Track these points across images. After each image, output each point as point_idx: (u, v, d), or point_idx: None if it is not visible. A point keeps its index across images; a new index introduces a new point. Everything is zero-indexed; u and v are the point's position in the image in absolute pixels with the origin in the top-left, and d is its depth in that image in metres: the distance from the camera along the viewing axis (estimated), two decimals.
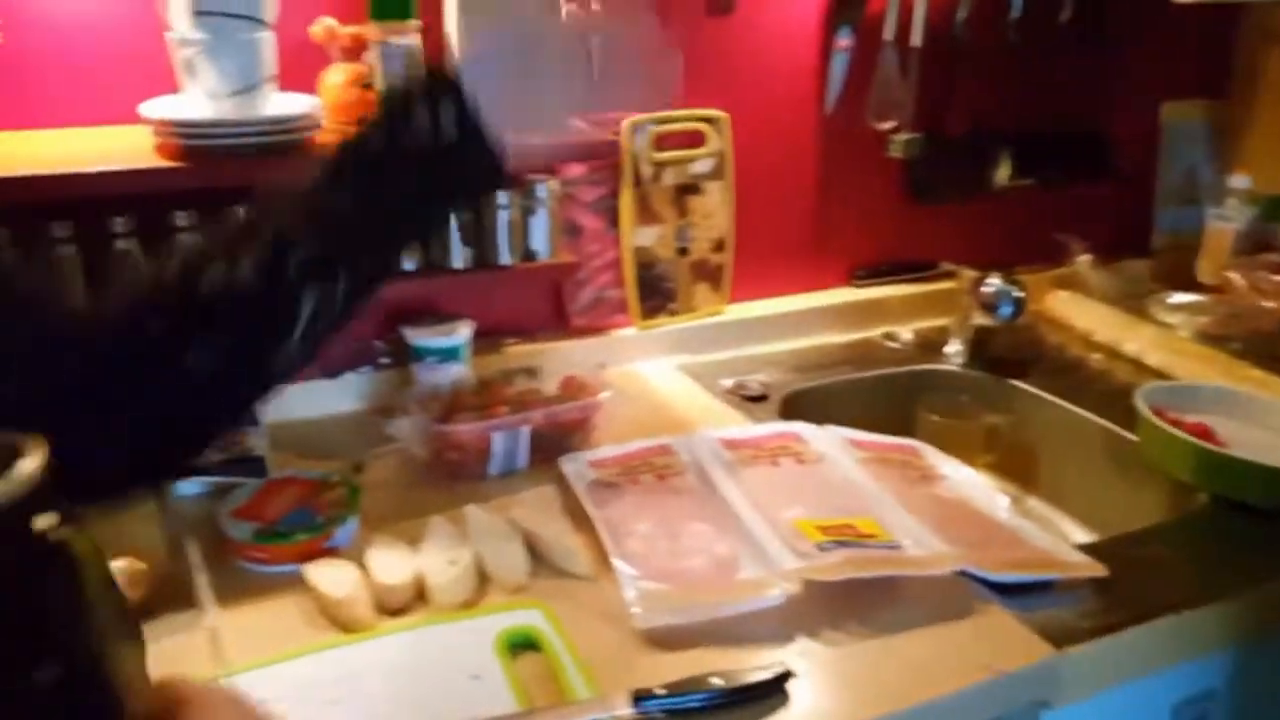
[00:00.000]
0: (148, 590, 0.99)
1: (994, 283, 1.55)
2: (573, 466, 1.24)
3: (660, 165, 1.53)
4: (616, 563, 1.02)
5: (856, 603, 0.99)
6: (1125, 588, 1.03)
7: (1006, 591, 1.02)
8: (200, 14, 1.02)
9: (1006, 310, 1.53)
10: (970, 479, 1.26)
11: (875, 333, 1.74)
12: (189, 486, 1.21)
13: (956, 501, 1.20)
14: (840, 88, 1.64)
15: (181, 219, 1.17)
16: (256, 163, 1.08)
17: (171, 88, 1.13)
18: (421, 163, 0.73)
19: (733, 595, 0.98)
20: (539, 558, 1.08)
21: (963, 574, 1.03)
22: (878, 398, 1.58)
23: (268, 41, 1.07)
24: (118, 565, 0.97)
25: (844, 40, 1.61)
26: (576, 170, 1.47)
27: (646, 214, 1.54)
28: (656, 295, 1.61)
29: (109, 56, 1.18)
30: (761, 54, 1.58)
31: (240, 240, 0.70)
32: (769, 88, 1.61)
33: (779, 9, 1.57)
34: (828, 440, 1.29)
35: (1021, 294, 1.53)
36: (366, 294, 0.76)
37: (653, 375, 1.57)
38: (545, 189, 1.35)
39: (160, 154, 1.08)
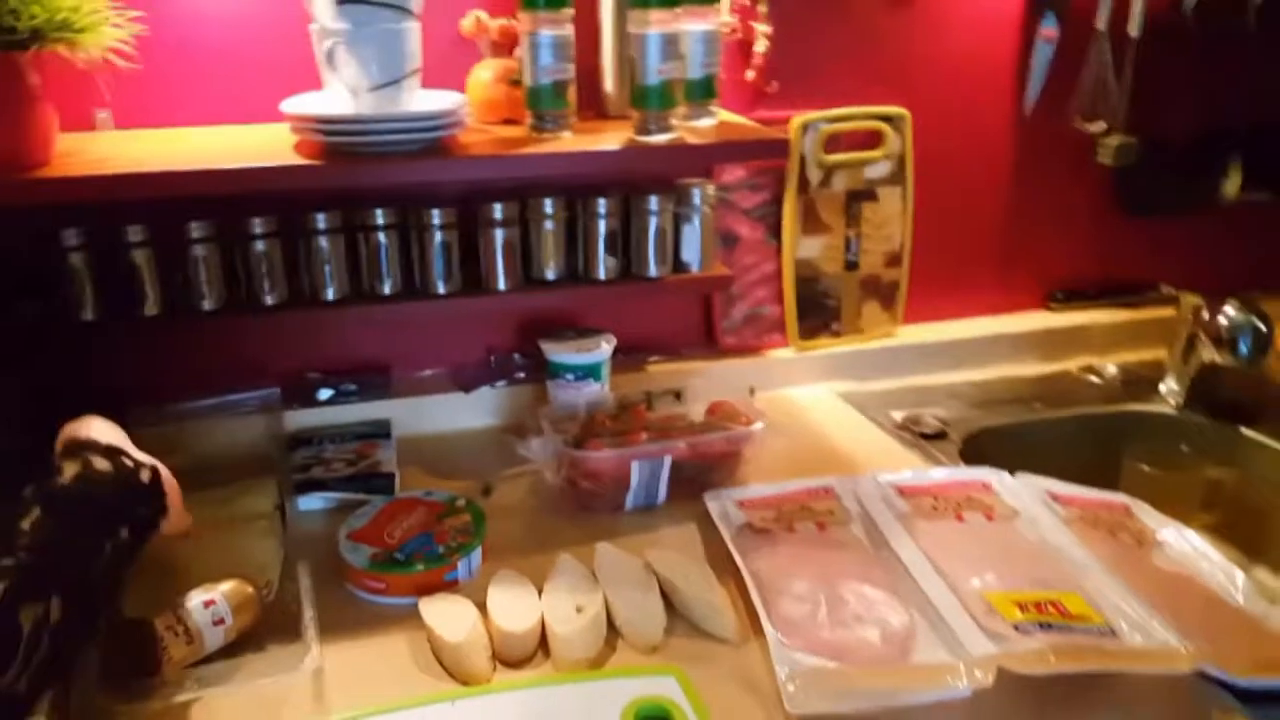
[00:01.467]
0: (255, 617, 0.94)
1: (1231, 313, 1.34)
2: (719, 505, 1.13)
3: (830, 169, 1.40)
4: (768, 628, 0.90)
5: (1062, 702, 0.84)
6: None
7: (1252, 700, 0.84)
8: (344, 2, 0.97)
9: (1245, 346, 1.32)
10: (1195, 546, 1.07)
11: (1074, 365, 1.56)
12: (312, 502, 1.18)
13: (1180, 575, 1.01)
14: (1041, 83, 1.46)
15: (321, 221, 1.14)
16: (396, 162, 1.02)
17: (315, 85, 1.09)
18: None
19: (908, 682, 0.84)
20: (676, 612, 0.98)
21: (1199, 675, 0.85)
22: (1077, 442, 1.40)
23: (413, 33, 1.02)
24: (225, 588, 0.93)
25: (1048, 29, 1.44)
26: (735, 173, 1.36)
27: (812, 223, 1.42)
28: (819, 314, 1.47)
29: (252, 52, 1.16)
30: (950, 44, 1.43)
31: None
32: (957, 83, 1.45)
33: None
34: (1023, 492, 1.13)
35: (1266, 328, 1.31)
36: (91, 613, 0.76)
37: (811, 404, 1.44)
38: (700, 194, 1.25)
39: (299, 152, 1.04)
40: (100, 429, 0.85)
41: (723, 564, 1.04)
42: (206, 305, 1.14)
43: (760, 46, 1.30)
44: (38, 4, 0.91)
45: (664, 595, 0.98)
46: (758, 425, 1.18)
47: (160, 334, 1.16)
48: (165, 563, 1.02)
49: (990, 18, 1.43)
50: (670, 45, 1.05)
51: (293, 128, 1.05)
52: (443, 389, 1.36)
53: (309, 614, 0.95)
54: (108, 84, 1.07)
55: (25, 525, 0.71)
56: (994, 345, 1.55)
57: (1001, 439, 1.35)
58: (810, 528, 1.08)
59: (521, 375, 1.37)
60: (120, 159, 1.02)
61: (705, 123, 1.16)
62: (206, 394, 1.24)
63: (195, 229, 1.11)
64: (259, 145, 1.08)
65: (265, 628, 0.94)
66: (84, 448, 0.81)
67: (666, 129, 1.09)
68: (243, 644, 0.92)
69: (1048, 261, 1.60)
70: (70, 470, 0.78)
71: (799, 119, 1.35)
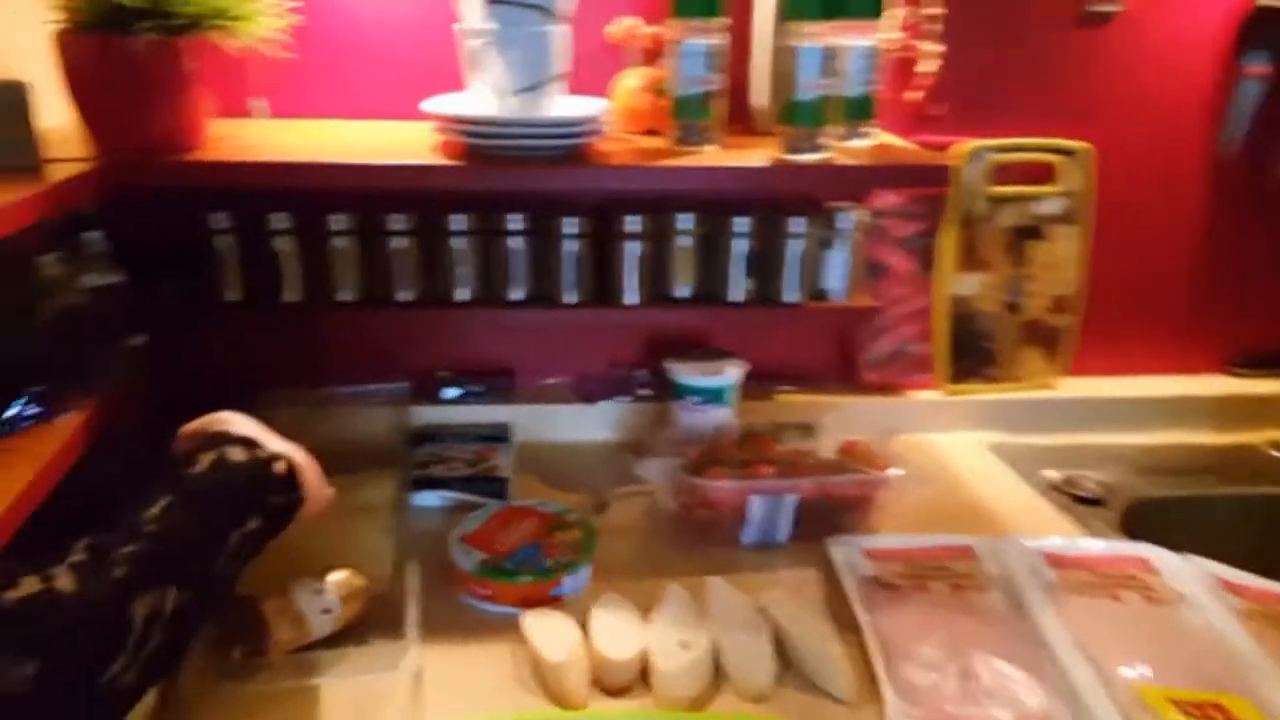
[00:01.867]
0: (361, 609, 0.94)
1: None
2: (844, 553, 1.06)
3: (997, 201, 1.30)
4: (888, 693, 0.83)
5: None
6: None
7: None
8: (493, 3, 0.97)
9: None
10: None
11: (1258, 438, 1.41)
12: (429, 499, 1.18)
13: None
14: (1245, 124, 1.33)
15: (457, 223, 1.14)
16: (535, 167, 1.01)
17: (460, 85, 1.09)
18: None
19: None
20: (787, 661, 0.91)
21: None
22: (1257, 525, 1.26)
23: (560, 36, 1.00)
24: (336, 578, 0.93)
25: (1257, 66, 1.31)
26: (890, 199, 1.29)
27: (972, 258, 1.32)
28: (972, 356, 1.37)
29: (405, 48, 1.18)
30: (1143, 74, 1.31)
31: (46, 561, 0.64)
32: (1147, 117, 1.33)
33: (1171, 21, 1.29)
34: (1190, 575, 1.01)
35: None
36: (209, 605, 0.73)
37: (956, 453, 1.35)
38: (850, 219, 1.18)
39: (442, 152, 1.04)
40: (239, 423, 0.83)
41: (843, 616, 0.97)
42: (343, 296, 1.16)
43: (928, 66, 1.22)
44: None
45: (776, 642, 0.92)
46: (895, 470, 1.10)
47: (297, 320, 1.19)
48: (280, 545, 1.03)
49: (1191, 48, 1.31)
50: (827, 60, 1.00)
51: (436, 127, 1.05)
52: (564, 398, 1.34)
53: (413, 612, 0.95)
54: (264, 74, 1.10)
55: (152, 513, 0.69)
56: (1166, 408, 1.42)
57: (1168, 513, 1.23)
58: (944, 589, 0.99)
59: (645, 393, 1.34)
60: (269, 147, 1.05)
61: (860, 143, 1.10)
62: (338, 383, 1.26)
63: (336, 221, 1.13)
64: (404, 142, 1.08)
65: (370, 621, 0.94)
66: (220, 440, 0.79)
67: (817, 148, 1.03)
68: (346, 635, 0.93)
69: (1233, 321, 1.46)
70: (205, 460, 0.76)
71: (965, 146, 1.27)
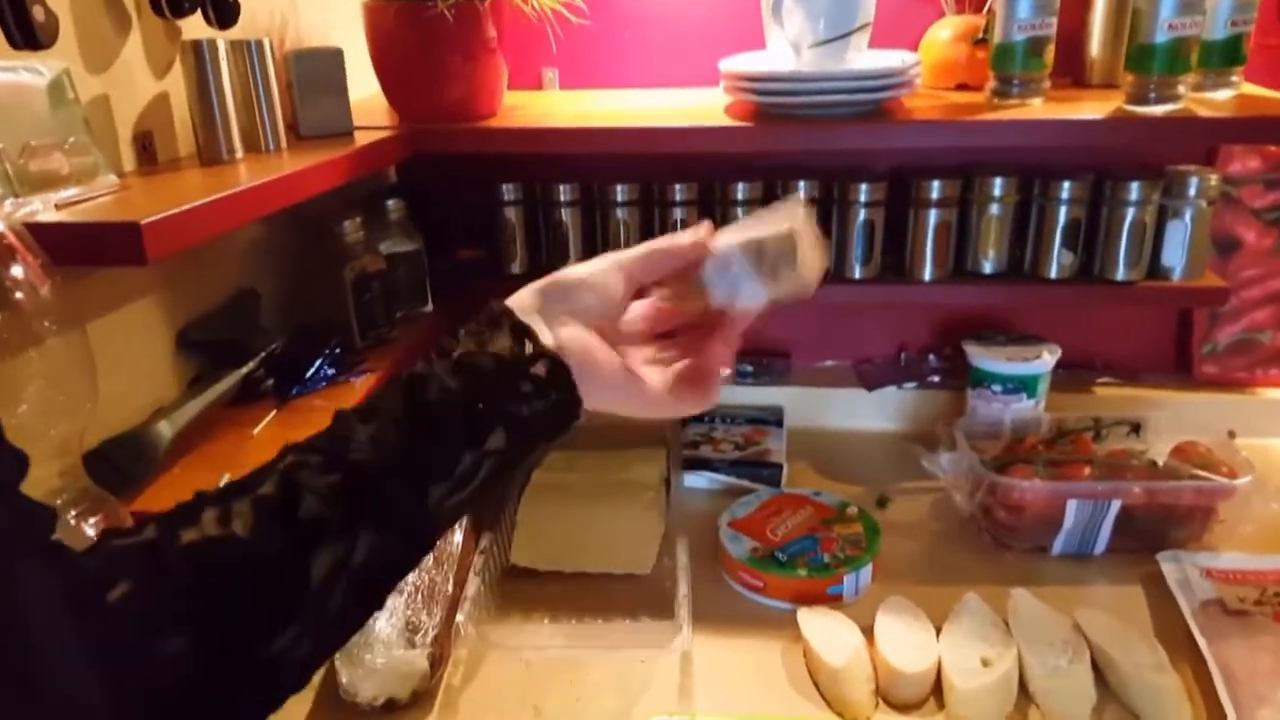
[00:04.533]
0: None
1: None
2: (1178, 570, 0.95)
3: None
4: None
5: None
6: None
7: None
8: None
9: None
10: None
11: None
12: (698, 480, 1.17)
13: None
14: None
15: (740, 191, 1.12)
16: (826, 126, 0.96)
17: (757, 46, 1.07)
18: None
19: None
20: (1109, 690, 0.82)
21: None
22: None
23: None
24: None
25: None
26: (1249, 164, 1.13)
27: None
28: None
29: (694, 12, 1.17)
30: None
31: (242, 485, 0.53)
32: None
33: None
34: None
35: None
36: (414, 552, 0.57)
37: None
38: (1197, 184, 1.05)
39: (730, 114, 1.02)
40: (526, 296, 0.61)
41: (1176, 643, 0.86)
42: None
43: None
44: None
45: (1094, 667, 0.83)
46: (1245, 479, 0.97)
47: None
48: (545, 514, 1.07)
49: None
50: None
51: (725, 87, 1.03)
52: (844, 382, 1.29)
53: (683, 592, 0.94)
54: (555, 44, 1.12)
55: (361, 436, 0.53)
56: None
57: None
58: None
59: (935, 379, 1.26)
60: (560, 114, 1.07)
61: (1222, 94, 0.97)
62: None
63: (621, 191, 1.14)
64: (692, 108, 1.07)
65: (638, 599, 0.95)
66: (494, 321, 0.58)
67: (1171, 98, 0.91)
68: (616, 609, 0.94)
69: None
70: (456, 353, 0.57)
71: None
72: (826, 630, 0.88)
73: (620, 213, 1.15)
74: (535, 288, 0.60)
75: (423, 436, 0.55)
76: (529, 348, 0.58)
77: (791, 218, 0.59)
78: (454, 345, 0.58)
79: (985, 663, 0.83)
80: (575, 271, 0.61)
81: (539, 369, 0.58)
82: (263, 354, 0.93)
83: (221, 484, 0.53)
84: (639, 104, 1.12)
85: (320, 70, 0.96)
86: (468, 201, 1.17)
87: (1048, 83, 0.99)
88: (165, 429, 0.81)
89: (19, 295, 0.61)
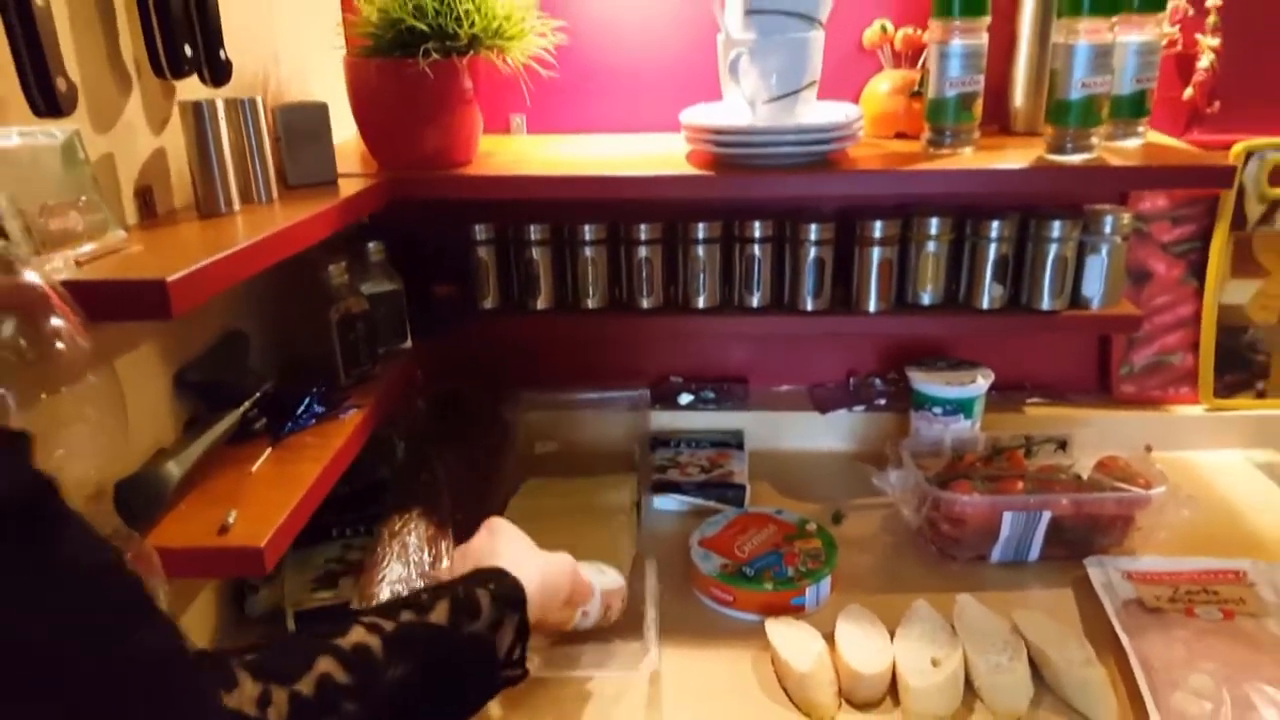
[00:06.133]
0: (622, 610, 0.99)
1: None
2: (1102, 574, 1.06)
3: (1274, 204, 1.25)
4: None
5: None
6: None
7: None
8: (753, 12, 1.03)
9: None
10: None
11: None
12: (667, 503, 1.25)
13: None
14: None
15: (700, 230, 1.21)
16: (782, 175, 1.06)
17: (711, 96, 1.16)
18: None
19: None
20: (1044, 684, 0.93)
21: None
22: None
23: (817, 42, 1.05)
24: (609, 581, 0.97)
25: None
26: (1157, 203, 1.26)
27: (1245, 264, 1.28)
28: (1241, 369, 1.33)
29: (655, 64, 1.27)
30: None
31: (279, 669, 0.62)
32: None
33: None
34: None
35: None
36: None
37: (1222, 472, 1.31)
38: (1112, 222, 1.17)
39: (691, 162, 1.12)
40: (509, 549, 0.84)
41: (1102, 639, 0.97)
42: (590, 304, 1.25)
43: (1204, 61, 1.19)
44: (478, 13, 1.05)
45: (1031, 663, 0.94)
46: (1159, 489, 1.09)
47: (547, 327, 1.29)
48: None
49: None
50: (1101, 57, 1.00)
51: (687, 137, 1.12)
52: (799, 406, 1.39)
53: (651, 614, 1.02)
54: (523, 91, 1.21)
55: (388, 679, 0.64)
56: None
57: None
58: (1214, 613, 0.98)
59: (882, 402, 1.37)
60: (532, 161, 1.15)
61: (1131, 143, 1.09)
62: (581, 387, 1.37)
63: (588, 230, 1.22)
64: (654, 155, 1.16)
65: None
66: (478, 580, 0.77)
67: (1086, 148, 1.03)
68: (588, 632, 0.98)
69: None
70: (438, 611, 0.71)
71: (1241, 145, 1.23)
72: (792, 639, 0.97)
73: (588, 250, 1.23)
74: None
75: (442, 690, 0.69)
76: (510, 636, 0.76)
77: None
78: (479, 604, 0.74)
79: (935, 663, 0.93)
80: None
81: (516, 650, 0.77)
82: (257, 394, 0.99)
83: (254, 646, 0.63)
84: (605, 151, 1.20)
85: (307, 123, 1.02)
86: (439, 240, 1.24)
87: (978, 133, 1.10)
88: (174, 469, 0.86)
89: (60, 345, 0.67)
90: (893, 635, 0.98)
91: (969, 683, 0.93)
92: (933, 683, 0.91)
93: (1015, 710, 0.90)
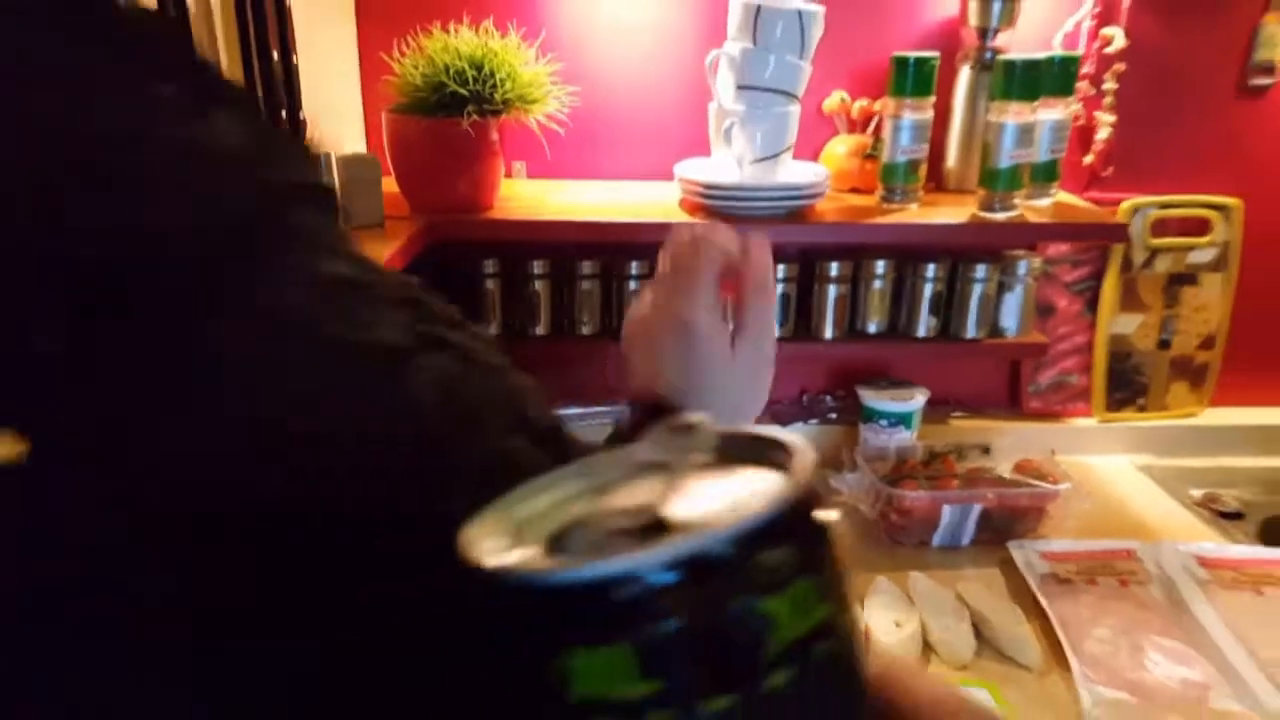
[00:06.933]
0: None
1: None
2: (1022, 555, 1.30)
3: (1154, 251, 1.54)
4: (1074, 662, 1.07)
5: None
6: None
7: None
8: (743, 88, 1.24)
9: None
10: None
11: None
12: None
13: None
14: None
15: None
16: (767, 224, 1.28)
17: (697, 149, 1.37)
18: None
19: None
20: (984, 640, 1.16)
21: None
22: None
23: (795, 114, 1.27)
24: None
25: None
26: (1061, 248, 1.53)
27: (1131, 301, 1.56)
28: (1126, 388, 1.61)
29: (649, 121, 1.46)
30: None
31: None
32: None
33: None
34: None
35: None
36: None
37: (1110, 473, 1.57)
38: (1026, 265, 1.43)
39: (682, 208, 1.32)
40: None
41: (1027, 605, 1.20)
42: (585, 330, 1.45)
43: (1103, 133, 1.47)
44: (511, 80, 1.23)
45: (973, 624, 1.17)
46: (1065, 485, 1.34)
47: (544, 351, 1.47)
48: None
49: None
50: (1025, 133, 1.25)
51: (681, 188, 1.33)
52: (760, 420, 1.59)
53: None
54: (535, 143, 1.39)
55: None
56: None
57: None
58: (1112, 583, 1.23)
59: (832, 417, 1.60)
60: (544, 206, 1.34)
61: (1044, 202, 1.35)
62: (573, 405, 1.55)
63: (586, 266, 1.42)
64: (650, 202, 1.37)
65: None
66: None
67: (1010, 207, 1.28)
68: None
69: None
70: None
71: (1130, 202, 1.50)
72: None
73: (584, 284, 1.42)
74: None
75: None
76: None
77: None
78: None
79: (898, 624, 1.15)
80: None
81: None
82: None
83: None
84: (605, 196, 1.39)
85: (364, 171, 1.19)
86: (452, 275, 1.41)
87: (922, 191, 1.35)
88: None
89: None
90: (862, 604, 1.20)
91: (925, 641, 1.15)
92: (897, 640, 1.13)
93: (962, 659, 1.12)
